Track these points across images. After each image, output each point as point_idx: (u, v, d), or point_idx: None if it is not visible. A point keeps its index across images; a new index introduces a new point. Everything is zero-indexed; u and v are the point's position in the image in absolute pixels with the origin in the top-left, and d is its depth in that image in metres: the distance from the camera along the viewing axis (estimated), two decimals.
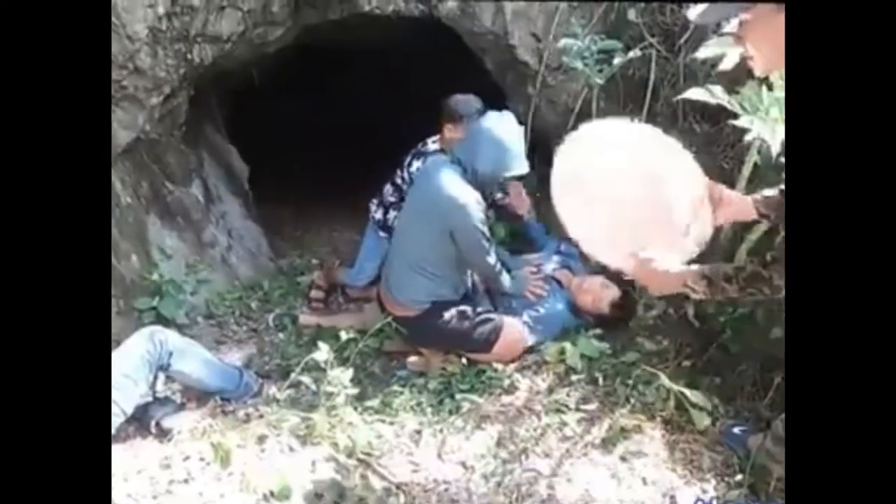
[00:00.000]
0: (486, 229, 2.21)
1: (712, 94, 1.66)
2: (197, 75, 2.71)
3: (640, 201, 1.37)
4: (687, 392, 1.91)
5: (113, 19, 2.23)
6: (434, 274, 2.25)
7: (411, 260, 2.27)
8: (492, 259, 2.28)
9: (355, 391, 2.09)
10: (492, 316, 2.32)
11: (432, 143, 2.68)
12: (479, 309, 2.33)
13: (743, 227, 2.04)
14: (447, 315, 2.27)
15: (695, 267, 1.35)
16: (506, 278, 2.38)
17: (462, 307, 2.30)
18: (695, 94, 1.70)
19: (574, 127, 2.75)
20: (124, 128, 2.46)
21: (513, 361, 2.28)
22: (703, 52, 1.73)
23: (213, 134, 3.64)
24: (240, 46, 2.73)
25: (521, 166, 2.21)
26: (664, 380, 1.94)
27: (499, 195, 2.81)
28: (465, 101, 2.53)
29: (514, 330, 2.30)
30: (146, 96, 2.45)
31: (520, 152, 2.20)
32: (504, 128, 2.19)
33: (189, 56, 2.53)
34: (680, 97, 1.87)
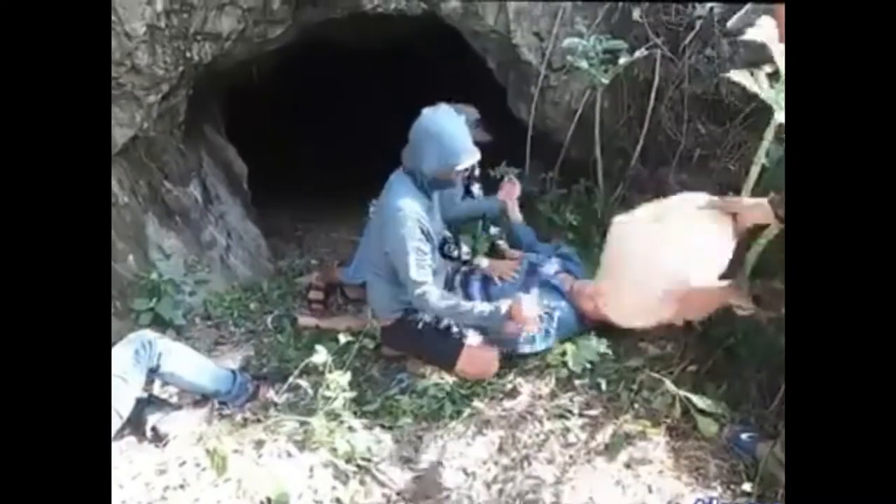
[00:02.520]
0: (415, 242, 2.06)
1: (756, 80, 1.60)
2: (196, 74, 2.68)
3: (680, 277, 1.37)
4: (692, 398, 1.87)
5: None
6: (397, 281, 2.18)
7: (376, 269, 2.26)
8: (413, 273, 2.07)
9: (354, 395, 2.06)
10: (454, 330, 2.22)
11: None
12: (449, 323, 2.24)
13: (749, 235, 2.01)
14: (416, 325, 2.22)
15: (733, 284, 1.33)
16: (430, 296, 2.10)
17: (431, 319, 2.22)
18: (739, 76, 1.62)
19: (577, 126, 2.77)
20: (122, 126, 2.43)
21: (482, 378, 2.17)
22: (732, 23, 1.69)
23: (213, 133, 3.61)
24: (239, 45, 2.70)
25: (469, 156, 2.08)
26: (669, 385, 1.91)
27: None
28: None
29: (479, 347, 2.20)
30: (144, 94, 2.42)
31: (464, 142, 2.07)
32: (439, 122, 2.07)
33: (188, 54, 2.50)
34: (724, 75, 1.79)
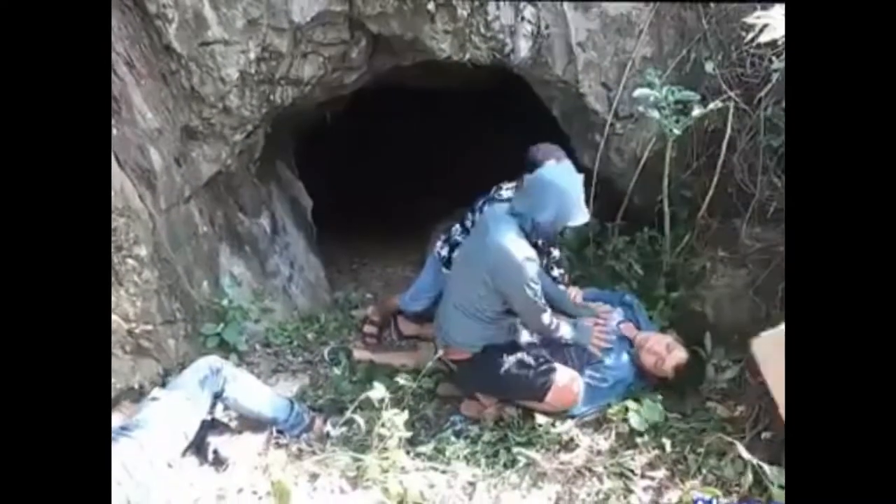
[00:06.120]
0: (537, 288, 2.13)
1: None
2: (276, 114, 2.87)
3: None
4: (766, 467, 1.75)
5: (208, 62, 2.41)
6: (484, 318, 2.22)
7: (462, 304, 2.27)
8: (546, 318, 2.22)
9: (408, 435, 2.05)
10: (549, 364, 2.24)
11: (506, 190, 2.64)
12: (536, 356, 2.26)
13: None
14: (501, 360, 2.21)
15: None
16: (565, 330, 2.31)
17: (519, 354, 2.24)
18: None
19: (641, 174, 2.74)
20: (209, 161, 2.62)
21: (563, 411, 2.20)
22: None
23: (283, 168, 3.81)
24: (317, 89, 2.88)
25: (582, 215, 2.16)
26: (741, 451, 1.79)
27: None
28: (547, 151, 2.46)
29: (568, 379, 2.22)
30: (231, 133, 2.62)
31: (580, 201, 2.14)
32: (564, 178, 2.15)
33: (272, 97, 2.68)
34: None
